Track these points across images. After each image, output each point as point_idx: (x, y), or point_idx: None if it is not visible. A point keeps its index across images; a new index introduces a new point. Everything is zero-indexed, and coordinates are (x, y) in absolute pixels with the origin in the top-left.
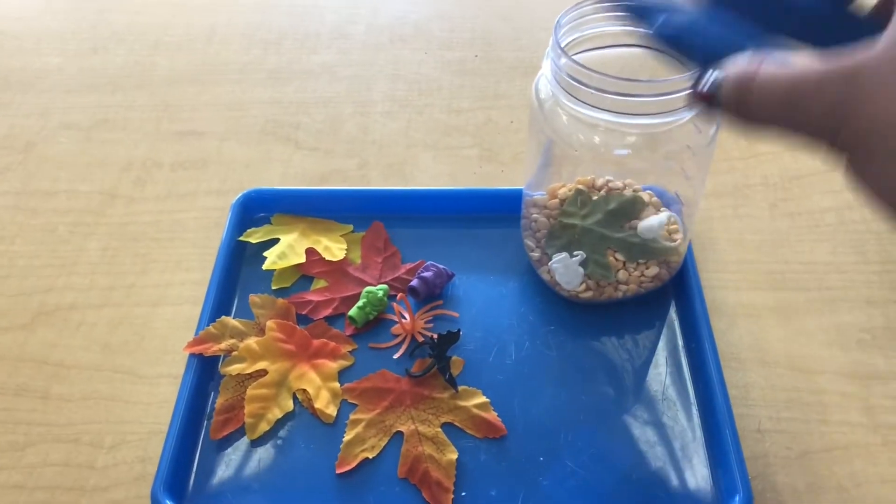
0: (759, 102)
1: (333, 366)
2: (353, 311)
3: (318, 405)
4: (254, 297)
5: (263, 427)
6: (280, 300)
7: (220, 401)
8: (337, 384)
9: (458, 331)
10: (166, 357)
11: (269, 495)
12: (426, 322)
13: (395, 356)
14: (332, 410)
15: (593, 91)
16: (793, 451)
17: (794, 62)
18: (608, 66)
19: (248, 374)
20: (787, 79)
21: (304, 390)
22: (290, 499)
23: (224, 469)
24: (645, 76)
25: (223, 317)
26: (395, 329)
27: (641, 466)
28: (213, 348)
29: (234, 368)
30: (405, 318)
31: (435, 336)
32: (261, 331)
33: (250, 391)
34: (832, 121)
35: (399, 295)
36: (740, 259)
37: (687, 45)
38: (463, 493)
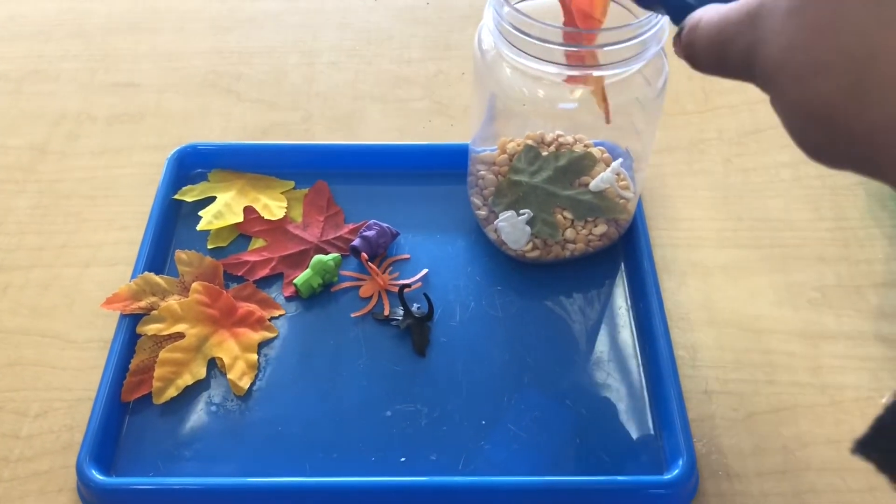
0: (700, 49)
1: (255, 337)
2: (298, 280)
3: (231, 376)
4: (180, 254)
5: (171, 392)
6: (208, 259)
7: (134, 361)
8: (255, 356)
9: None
10: (97, 321)
11: (202, 463)
12: (390, 274)
13: (385, 314)
14: (244, 383)
15: (536, 42)
16: (739, 413)
17: (726, 6)
18: (558, 14)
19: (166, 335)
20: (715, 24)
21: (221, 358)
22: (222, 466)
23: (154, 437)
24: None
25: (146, 272)
26: (364, 291)
27: (585, 430)
28: (131, 306)
29: (151, 328)
30: (363, 279)
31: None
32: (185, 289)
33: (163, 354)
34: (748, 62)
35: (363, 256)
36: (692, 216)
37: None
38: (402, 459)
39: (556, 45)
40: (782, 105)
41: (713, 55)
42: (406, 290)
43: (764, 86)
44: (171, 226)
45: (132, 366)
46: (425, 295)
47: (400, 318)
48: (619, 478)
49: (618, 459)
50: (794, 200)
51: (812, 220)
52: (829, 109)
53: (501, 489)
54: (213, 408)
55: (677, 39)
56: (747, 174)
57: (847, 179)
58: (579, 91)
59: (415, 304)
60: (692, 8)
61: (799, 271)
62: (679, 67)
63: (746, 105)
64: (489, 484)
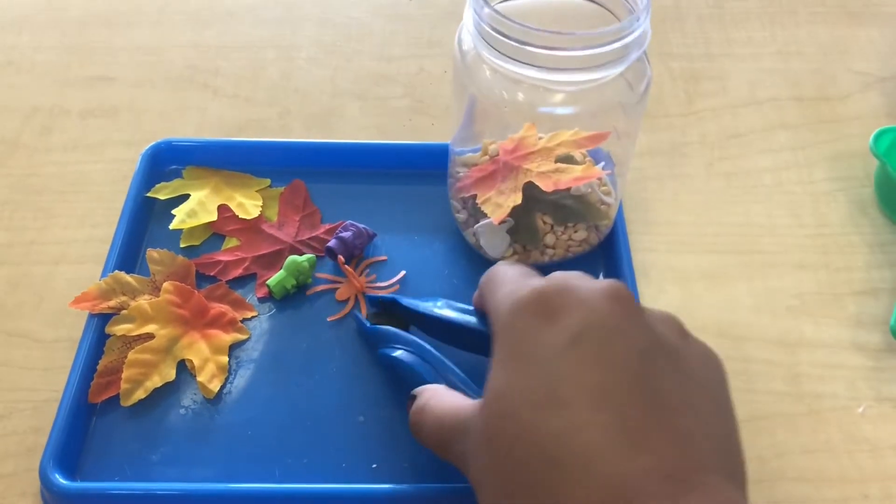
0: (425, 437)
1: (226, 338)
2: (271, 281)
3: (200, 378)
4: (152, 252)
5: (139, 394)
6: (180, 258)
7: (102, 362)
8: (225, 358)
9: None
10: (66, 320)
11: (170, 467)
12: (367, 277)
13: (363, 316)
14: (214, 386)
15: (515, 44)
16: None
17: (448, 400)
18: (540, 16)
19: (135, 335)
20: (437, 420)
21: (191, 360)
22: (190, 470)
23: (122, 440)
24: (580, 28)
25: (116, 272)
26: (341, 294)
27: None
28: (101, 305)
29: (121, 328)
30: (340, 281)
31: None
32: (156, 289)
33: (132, 355)
34: (464, 465)
35: (340, 259)
36: (672, 221)
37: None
38: (374, 465)
39: (536, 47)
40: None
41: (437, 447)
42: (382, 292)
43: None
44: (144, 224)
45: (100, 367)
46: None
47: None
48: None
49: None
50: (775, 206)
51: (792, 227)
52: None
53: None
54: (183, 411)
55: (410, 403)
56: (728, 178)
57: (828, 186)
58: (560, 95)
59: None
60: (422, 379)
61: (778, 278)
62: (662, 70)
63: (730, 108)
64: (463, 491)
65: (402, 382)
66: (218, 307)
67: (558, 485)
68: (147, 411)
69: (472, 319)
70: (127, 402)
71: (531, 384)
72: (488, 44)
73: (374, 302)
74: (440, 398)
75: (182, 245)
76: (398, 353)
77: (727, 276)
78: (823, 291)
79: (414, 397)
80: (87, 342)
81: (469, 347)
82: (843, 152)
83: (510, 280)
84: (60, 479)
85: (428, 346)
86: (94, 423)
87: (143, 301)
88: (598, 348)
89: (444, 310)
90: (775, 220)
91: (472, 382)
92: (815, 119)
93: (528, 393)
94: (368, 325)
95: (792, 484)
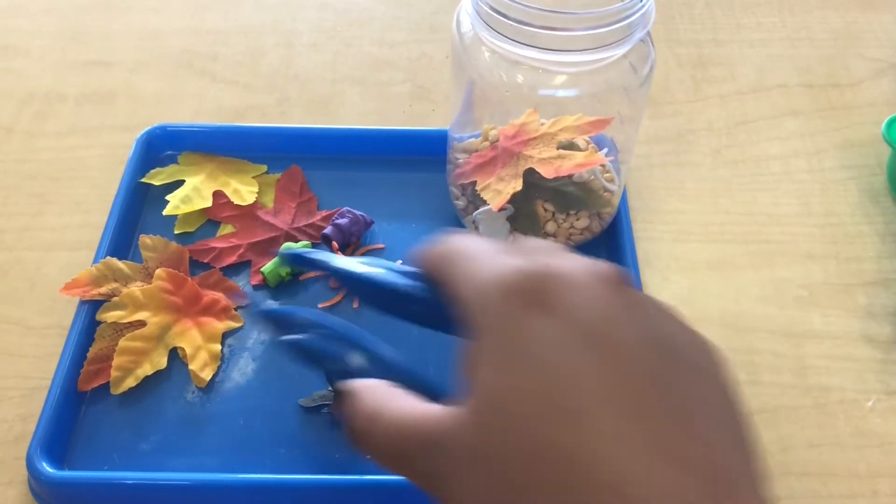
0: (376, 448)
1: (219, 326)
2: (266, 269)
3: (192, 367)
4: (144, 239)
5: (130, 383)
6: (174, 244)
7: (92, 349)
8: (218, 346)
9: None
10: (58, 306)
11: (159, 457)
12: None
13: (354, 307)
14: (206, 374)
15: (515, 24)
16: None
17: (399, 403)
18: None
19: (127, 322)
20: (395, 431)
21: (183, 348)
22: (179, 460)
23: (111, 428)
24: (581, 7)
25: (108, 258)
26: (334, 281)
27: None
28: (91, 291)
29: (112, 315)
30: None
31: None
32: (148, 275)
33: (123, 342)
34: (430, 488)
35: (334, 245)
36: (677, 209)
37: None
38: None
39: (536, 27)
40: None
41: (391, 462)
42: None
43: None
44: (137, 209)
45: (90, 354)
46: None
47: (331, 402)
48: None
49: None
50: (782, 195)
51: (801, 216)
52: None
53: None
54: (173, 399)
55: (337, 403)
56: (736, 166)
57: (838, 174)
58: (561, 77)
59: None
60: (350, 374)
61: (786, 268)
62: (669, 56)
63: (737, 95)
64: None
65: (318, 374)
66: (211, 294)
67: None
68: (137, 400)
69: (414, 284)
70: (117, 391)
71: (536, 389)
72: (487, 24)
73: (291, 258)
74: (395, 401)
75: (176, 231)
76: (305, 337)
77: (734, 265)
78: (832, 282)
79: (342, 394)
80: (78, 329)
81: (406, 316)
82: (853, 140)
83: (482, 256)
84: (48, 468)
85: (351, 325)
86: (84, 411)
87: (135, 288)
88: (608, 344)
89: (373, 268)
90: (783, 208)
91: (422, 374)
92: (825, 106)
93: (533, 400)
94: (264, 307)
95: (797, 479)
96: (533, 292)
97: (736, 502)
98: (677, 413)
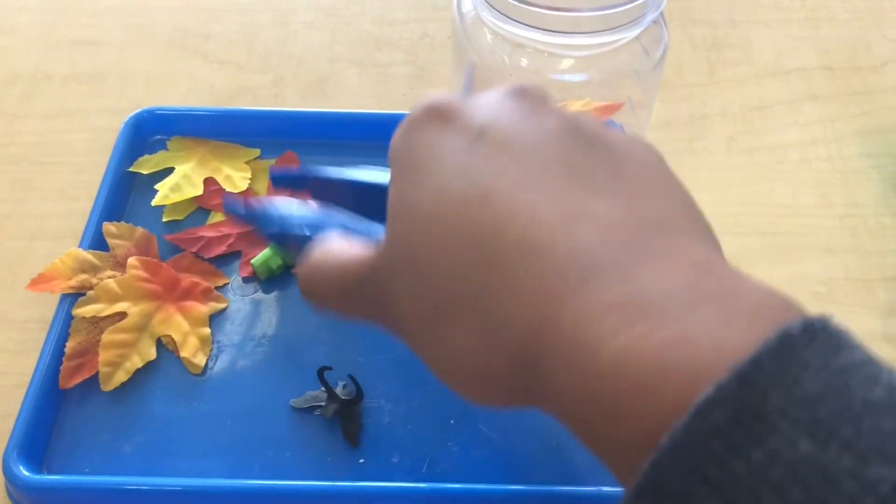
0: (321, 291)
1: (204, 309)
2: (256, 260)
3: (184, 354)
4: (108, 226)
5: (120, 377)
6: (140, 229)
7: (70, 344)
8: (207, 329)
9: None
10: (40, 299)
11: (145, 459)
12: None
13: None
14: (200, 360)
15: (519, 4)
16: None
17: (345, 250)
18: None
19: (106, 316)
20: (338, 270)
21: (170, 336)
22: (165, 462)
23: (95, 428)
24: None
25: (72, 248)
26: None
27: (563, 432)
28: (61, 285)
29: (89, 310)
30: None
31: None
32: (118, 264)
33: (106, 336)
34: (372, 315)
35: None
36: None
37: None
38: (361, 461)
39: (541, 8)
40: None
41: (337, 302)
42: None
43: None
44: (124, 197)
45: (68, 349)
46: (351, 377)
47: (323, 403)
48: (603, 489)
49: (599, 468)
50: (801, 185)
51: (820, 207)
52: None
53: (469, 497)
54: (160, 397)
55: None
56: (751, 154)
57: (860, 163)
58: (569, 61)
59: (340, 384)
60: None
61: (804, 262)
62: (682, 36)
63: (754, 78)
64: (455, 492)
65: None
66: (189, 278)
67: (506, 278)
68: (122, 399)
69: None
70: (108, 387)
71: (444, 186)
72: (489, 4)
73: (279, 180)
74: (338, 247)
75: (165, 220)
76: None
77: (748, 259)
78: (853, 277)
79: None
80: (59, 323)
81: None
82: (876, 127)
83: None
84: (24, 472)
85: (332, 211)
86: (66, 410)
87: (109, 280)
88: (507, 137)
89: (362, 172)
90: (801, 199)
91: None
92: (846, 90)
93: (444, 195)
94: (244, 209)
95: None
96: (434, 114)
97: (666, 251)
98: (589, 181)
